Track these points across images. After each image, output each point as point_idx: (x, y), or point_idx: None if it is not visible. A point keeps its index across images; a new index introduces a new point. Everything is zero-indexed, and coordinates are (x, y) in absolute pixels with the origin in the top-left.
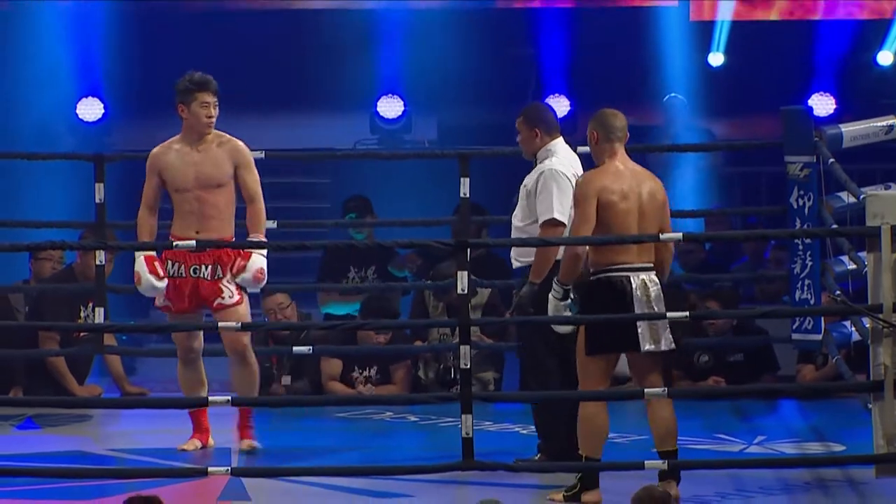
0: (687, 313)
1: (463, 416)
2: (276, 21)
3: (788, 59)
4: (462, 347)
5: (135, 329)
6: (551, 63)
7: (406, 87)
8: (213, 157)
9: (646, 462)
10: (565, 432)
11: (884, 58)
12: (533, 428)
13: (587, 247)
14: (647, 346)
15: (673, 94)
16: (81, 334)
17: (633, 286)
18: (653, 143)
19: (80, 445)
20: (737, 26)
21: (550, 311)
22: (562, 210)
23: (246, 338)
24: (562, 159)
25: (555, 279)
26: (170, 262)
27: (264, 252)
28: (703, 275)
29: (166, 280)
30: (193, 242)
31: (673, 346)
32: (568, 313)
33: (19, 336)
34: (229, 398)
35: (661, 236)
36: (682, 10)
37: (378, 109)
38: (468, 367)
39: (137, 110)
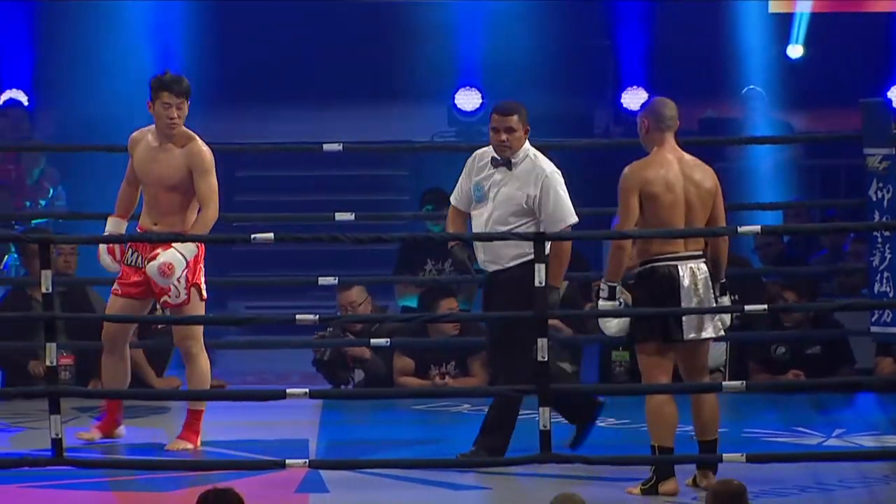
0: (765, 305)
1: (541, 409)
2: (355, 13)
3: (868, 51)
4: (539, 340)
5: (213, 321)
6: (629, 54)
7: (484, 79)
8: (169, 159)
9: (724, 455)
10: (506, 432)
11: None
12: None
13: (631, 242)
14: (690, 335)
15: (751, 87)
16: (159, 326)
17: (681, 275)
18: (731, 135)
19: (158, 437)
20: (816, 18)
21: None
22: (573, 212)
23: (192, 338)
24: (544, 159)
25: (602, 279)
26: (130, 250)
27: (186, 252)
28: (782, 267)
29: (121, 266)
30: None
31: (722, 332)
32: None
33: (97, 328)
34: (307, 391)
35: (740, 229)
36: (761, 1)
37: (456, 102)
38: (545, 359)
39: (216, 102)
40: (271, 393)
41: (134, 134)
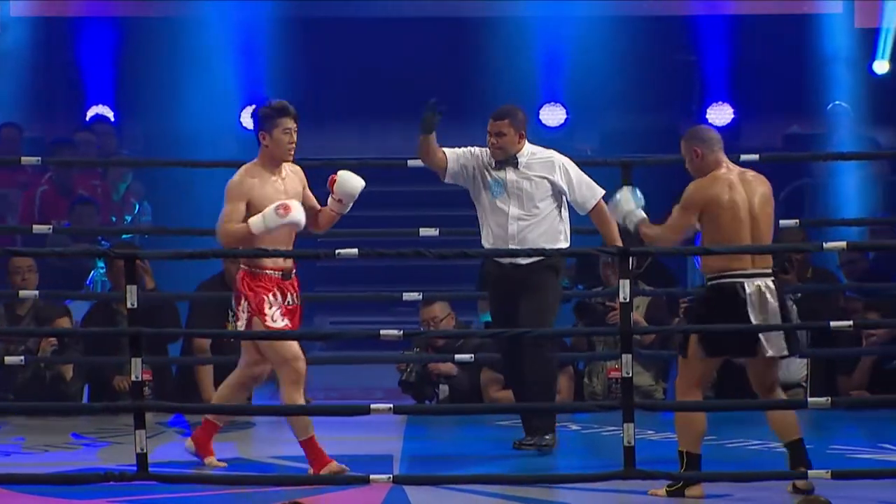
0: (850, 322)
1: (625, 425)
2: (439, 29)
3: None
4: (624, 356)
5: (298, 337)
6: (714, 70)
7: (568, 94)
8: (293, 183)
9: (810, 472)
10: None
11: None
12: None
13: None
14: (770, 353)
15: (837, 102)
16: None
17: (747, 292)
18: (816, 151)
19: (242, 452)
20: None
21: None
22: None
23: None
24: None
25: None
26: (283, 293)
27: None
28: (867, 284)
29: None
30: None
31: (785, 353)
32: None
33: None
34: (391, 406)
35: (825, 245)
36: (846, 17)
37: (540, 117)
38: (630, 375)
39: (303, 119)
40: (356, 408)
41: (238, 179)
